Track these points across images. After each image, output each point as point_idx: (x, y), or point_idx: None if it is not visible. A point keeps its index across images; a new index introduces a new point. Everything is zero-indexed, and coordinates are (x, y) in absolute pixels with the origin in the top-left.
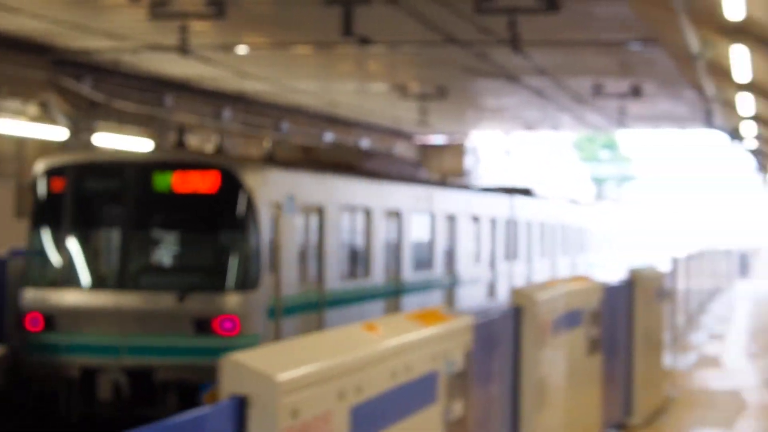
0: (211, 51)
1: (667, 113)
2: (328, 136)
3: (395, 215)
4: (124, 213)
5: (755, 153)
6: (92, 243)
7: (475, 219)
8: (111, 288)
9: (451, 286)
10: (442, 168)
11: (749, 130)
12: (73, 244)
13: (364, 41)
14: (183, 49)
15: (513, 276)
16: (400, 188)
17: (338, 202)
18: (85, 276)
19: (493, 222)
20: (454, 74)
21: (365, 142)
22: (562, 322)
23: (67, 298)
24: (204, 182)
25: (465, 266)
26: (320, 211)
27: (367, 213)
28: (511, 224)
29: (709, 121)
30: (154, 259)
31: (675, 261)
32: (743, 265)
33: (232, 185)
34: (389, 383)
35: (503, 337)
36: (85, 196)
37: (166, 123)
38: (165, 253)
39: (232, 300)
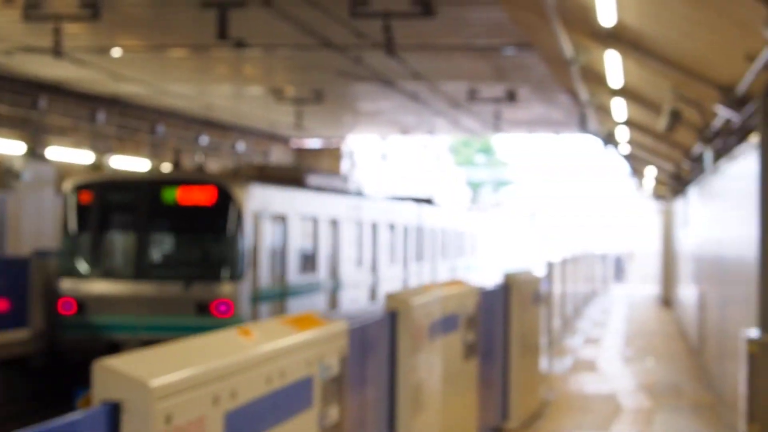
0: (86, 53)
1: (542, 118)
2: (204, 140)
3: (334, 223)
4: (139, 220)
5: (628, 158)
6: (115, 243)
7: (392, 226)
8: (130, 278)
9: (374, 282)
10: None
11: (622, 135)
12: (99, 243)
13: (240, 45)
14: (57, 51)
15: (421, 274)
16: (337, 199)
17: (296, 211)
18: (109, 269)
19: (406, 228)
20: (330, 78)
21: (241, 146)
22: (438, 327)
23: (96, 287)
24: (203, 196)
25: (384, 266)
26: (283, 219)
27: (315, 221)
28: (419, 230)
29: (583, 126)
30: (164, 256)
31: (550, 265)
32: (618, 269)
33: (225, 198)
34: (264, 388)
35: (379, 341)
36: (108, 206)
37: (41, 125)
38: (172, 251)
39: (226, 288)
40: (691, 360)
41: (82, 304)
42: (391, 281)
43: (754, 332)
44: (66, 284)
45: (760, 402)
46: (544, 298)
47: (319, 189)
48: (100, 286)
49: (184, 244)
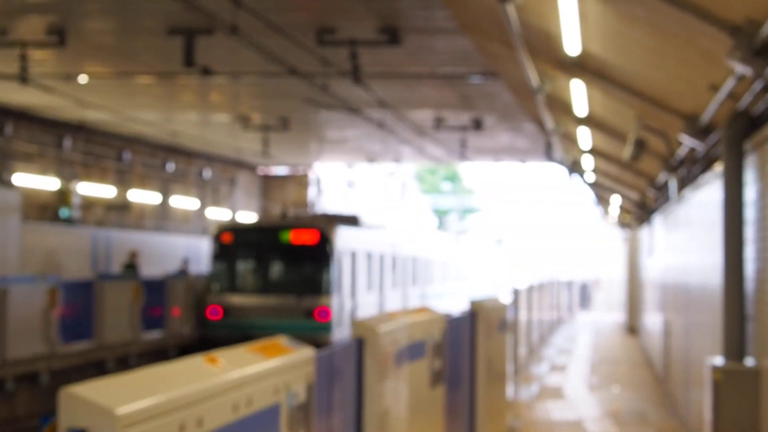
0: (52, 80)
1: (507, 146)
2: (170, 167)
3: (380, 253)
4: (265, 253)
5: (593, 186)
6: (248, 269)
7: (414, 257)
8: (259, 293)
9: (403, 298)
10: (285, 199)
11: (588, 163)
12: (238, 269)
13: (206, 72)
14: (23, 77)
15: (434, 294)
16: (379, 235)
17: (359, 247)
18: (244, 286)
19: (423, 258)
20: (297, 105)
21: (207, 173)
22: (405, 354)
23: (235, 299)
24: (309, 237)
25: (409, 287)
26: (353, 254)
27: (369, 254)
28: (431, 259)
29: (549, 154)
30: (283, 278)
31: (516, 292)
32: (584, 296)
33: (324, 238)
34: (231, 416)
35: (346, 369)
36: (243, 243)
37: (6, 152)
38: (288, 274)
39: (324, 300)
40: (656, 387)
41: (226, 311)
42: (414, 299)
43: (718, 360)
44: (213, 298)
45: (725, 429)
46: (511, 325)
47: (370, 227)
48: (238, 299)
49: (295, 269)
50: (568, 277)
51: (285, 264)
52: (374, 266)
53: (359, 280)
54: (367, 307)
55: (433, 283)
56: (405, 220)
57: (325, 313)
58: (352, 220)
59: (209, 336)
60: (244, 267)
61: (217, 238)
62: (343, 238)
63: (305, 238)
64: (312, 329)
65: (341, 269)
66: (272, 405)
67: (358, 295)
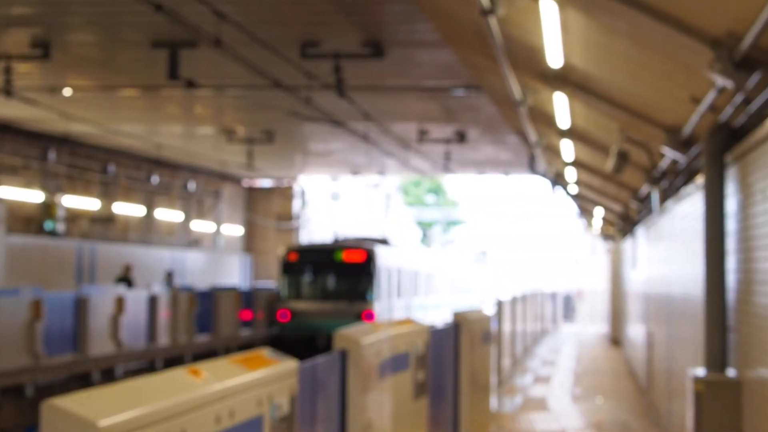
0: (36, 92)
1: (491, 158)
2: (155, 179)
3: (406, 270)
4: (323, 268)
5: (577, 198)
6: (310, 281)
7: (429, 273)
8: (319, 300)
9: (422, 306)
10: (269, 212)
11: (571, 175)
12: (301, 281)
13: (191, 84)
14: (7, 90)
15: (444, 303)
16: (406, 253)
17: (394, 265)
18: (307, 295)
19: (438, 273)
20: (281, 118)
21: (192, 186)
22: (389, 366)
23: (300, 305)
24: (357, 256)
25: (425, 296)
26: (389, 270)
27: (399, 270)
28: (441, 273)
29: (532, 167)
30: (338, 288)
31: (499, 304)
32: (568, 307)
33: (370, 257)
34: (213, 428)
35: (329, 380)
36: (306, 261)
37: None
38: (342, 285)
39: (370, 305)
40: (639, 398)
41: (293, 314)
42: (430, 308)
43: (700, 371)
44: (282, 304)
45: None
46: (495, 336)
47: (397, 247)
48: (303, 305)
49: (347, 281)
50: (552, 288)
51: (338, 277)
52: (403, 279)
53: (393, 289)
54: (398, 311)
55: (445, 294)
56: (390, 232)
57: (370, 315)
58: (385, 242)
59: (280, 335)
60: (306, 279)
61: (285, 257)
62: (382, 257)
63: (354, 256)
64: None
65: (381, 281)
66: (255, 417)
67: (393, 302)
